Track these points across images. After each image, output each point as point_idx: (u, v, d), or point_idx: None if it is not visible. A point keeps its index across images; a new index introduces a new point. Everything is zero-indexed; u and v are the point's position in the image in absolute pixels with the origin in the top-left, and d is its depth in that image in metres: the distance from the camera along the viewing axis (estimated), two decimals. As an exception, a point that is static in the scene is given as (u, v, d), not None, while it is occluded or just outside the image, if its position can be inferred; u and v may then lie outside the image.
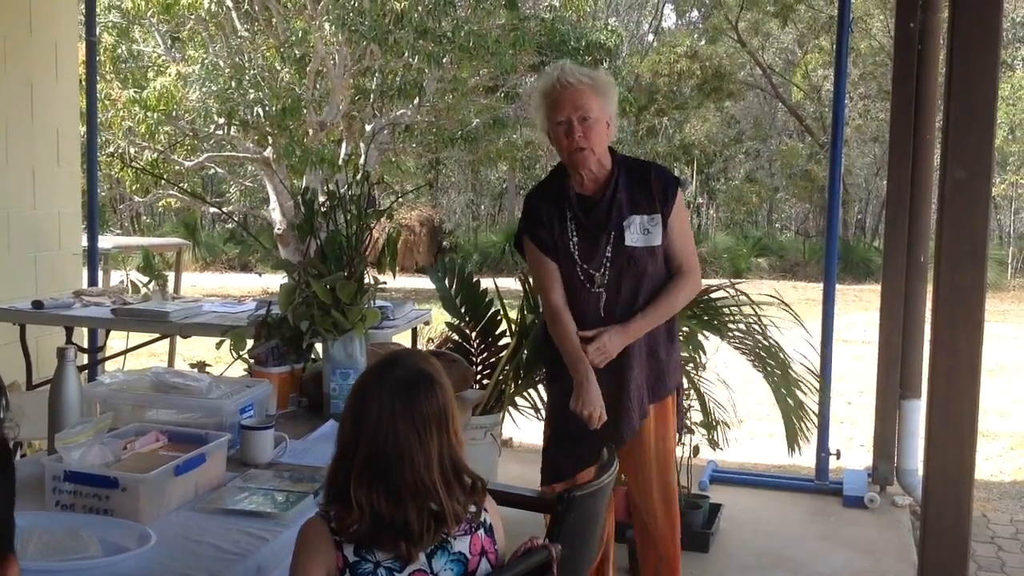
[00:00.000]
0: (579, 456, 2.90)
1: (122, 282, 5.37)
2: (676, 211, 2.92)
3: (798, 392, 4.23)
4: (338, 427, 1.82)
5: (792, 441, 4.33)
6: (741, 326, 4.25)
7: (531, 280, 3.85)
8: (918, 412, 4.74)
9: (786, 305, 4.27)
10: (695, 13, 23.82)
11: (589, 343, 2.86)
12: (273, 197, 13.29)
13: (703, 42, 20.84)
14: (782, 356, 4.19)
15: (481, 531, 1.80)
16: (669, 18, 25.25)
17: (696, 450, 4.18)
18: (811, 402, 4.33)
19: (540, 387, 4.61)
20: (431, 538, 1.72)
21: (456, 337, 4.80)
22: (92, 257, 5.94)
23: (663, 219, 2.90)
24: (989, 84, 3.12)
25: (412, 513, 1.70)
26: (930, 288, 4.74)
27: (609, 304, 2.89)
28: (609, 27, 15.51)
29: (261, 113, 11.72)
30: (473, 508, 1.80)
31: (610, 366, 2.89)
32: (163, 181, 13.35)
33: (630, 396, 2.92)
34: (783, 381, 4.19)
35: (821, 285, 5.13)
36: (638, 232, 2.88)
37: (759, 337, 4.19)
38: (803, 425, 4.26)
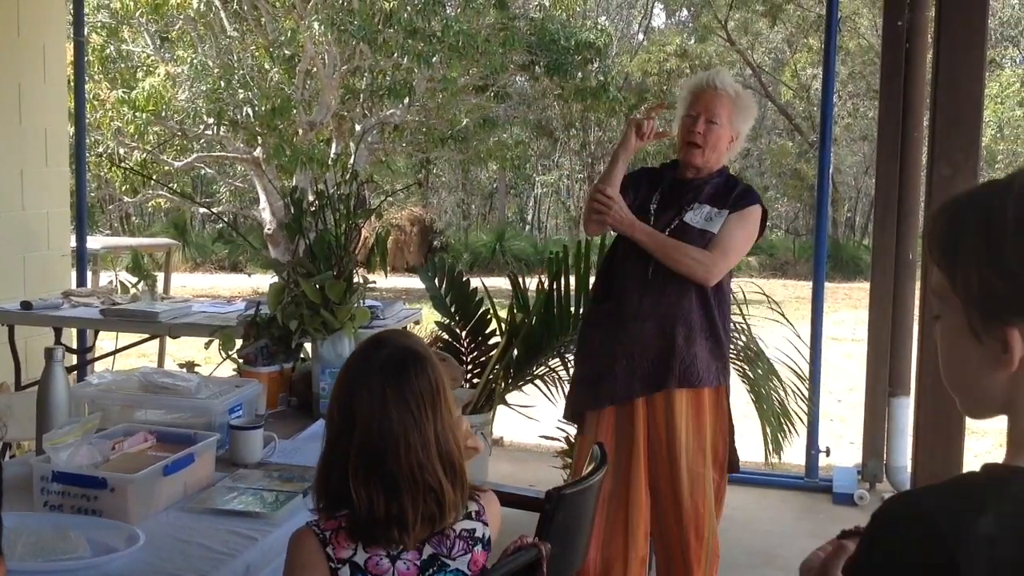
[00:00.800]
0: (588, 399, 3.16)
1: (111, 282, 5.35)
2: (741, 215, 3.04)
3: (784, 395, 4.24)
4: (326, 419, 1.74)
5: (776, 447, 4.35)
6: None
7: None
8: (907, 409, 4.75)
9: (775, 304, 4.28)
10: (684, 12, 23.86)
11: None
12: (263, 197, 13.26)
13: (692, 41, 20.86)
14: (767, 361, 4.20)
15: (479, 547, 1.73)
16: (659, 17, 25.29)
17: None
18: (799, 405, 4.34)
19: (531, 385, 4.64)
20: (425, 527, 1.66)
21: (446, 336, 4.82)
22: (81, 258, 5.92)
23: (728, 215, 3.03)
24: (975, 82, 3.13)
25: (407, 501, 1.63)
26: (919, 286, 4.77)
27: (656, 268, 3.00)
28: (599, 26, 15.51)
29: (251, 113, 11.69)
30: (474, 506, 1.74)
31: (626, 325, 3.01)
32: (152, 181, 13.31)
33: (629, 357, 2.99)
34: (766, 385, 4.20)
35: (811, 283, 5.14)
36: (701, 217, 3.04)
37: (746, 338, 4.20)
38: (787, 426, 4.27)
